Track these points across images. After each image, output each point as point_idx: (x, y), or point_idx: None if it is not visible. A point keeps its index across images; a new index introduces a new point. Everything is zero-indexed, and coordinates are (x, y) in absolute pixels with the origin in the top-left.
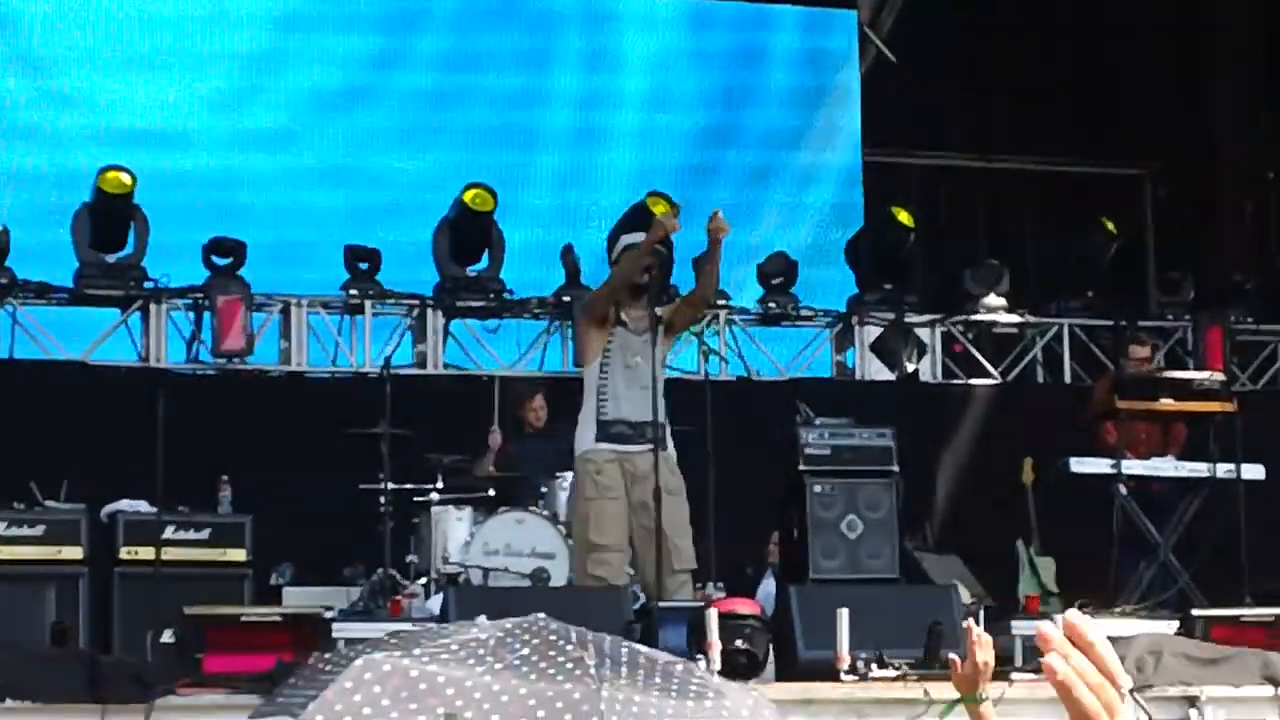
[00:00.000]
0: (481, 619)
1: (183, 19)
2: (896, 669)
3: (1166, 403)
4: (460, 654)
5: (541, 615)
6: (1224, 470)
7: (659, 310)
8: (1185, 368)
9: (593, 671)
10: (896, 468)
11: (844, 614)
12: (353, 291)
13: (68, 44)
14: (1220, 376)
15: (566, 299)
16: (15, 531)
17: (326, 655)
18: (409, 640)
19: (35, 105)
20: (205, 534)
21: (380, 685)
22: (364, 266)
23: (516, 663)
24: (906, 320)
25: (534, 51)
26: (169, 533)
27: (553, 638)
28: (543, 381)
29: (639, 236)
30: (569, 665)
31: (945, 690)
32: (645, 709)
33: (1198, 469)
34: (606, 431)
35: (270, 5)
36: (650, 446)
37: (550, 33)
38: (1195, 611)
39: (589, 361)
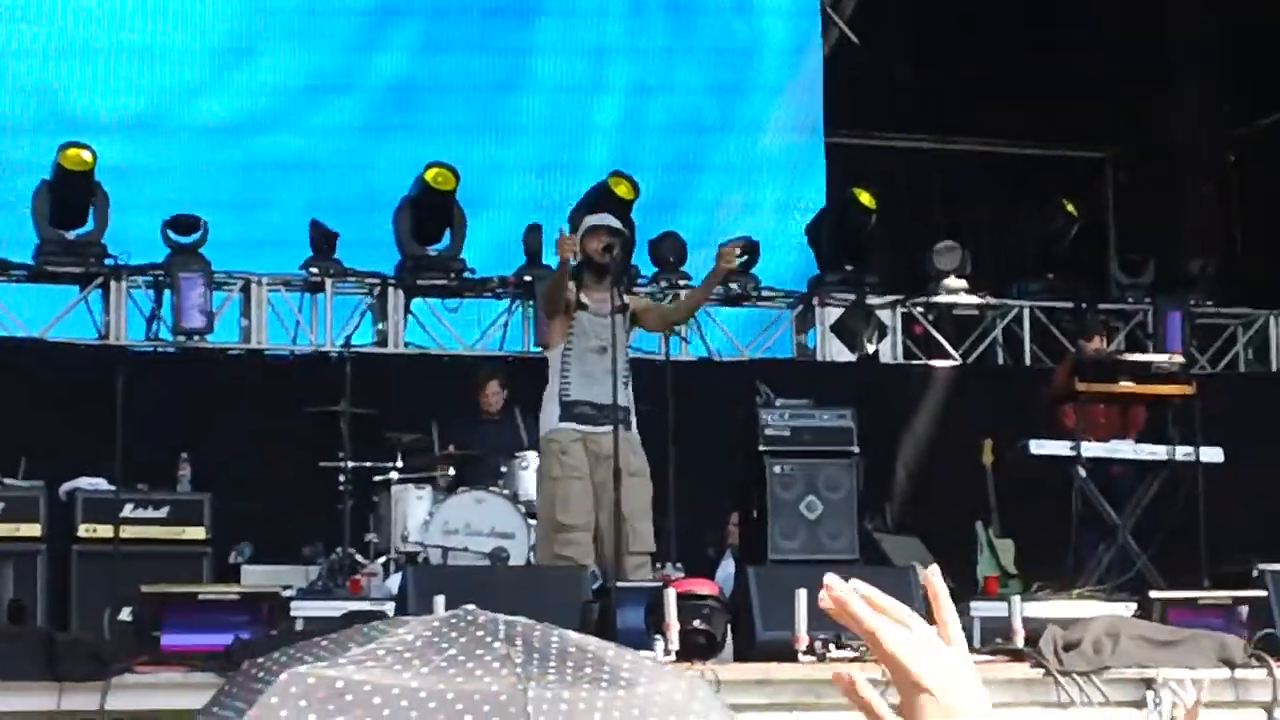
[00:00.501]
0: (439, 606)
1: (146, 6)
2: (854, 650)
3: (1126, 385)
4: (387, 659)
5: (471, 607)
6: (1183, 453)
7: (629, 299)
8: (1145, 350)
9: (519, 670)
10: (856, 449)
11: (802, 595)
12: (313, 270)
13: (27, 33)
14: (1179, 359)
15: (528, 279)
16: None
17: (259, 660)
18: (338, 645)
19: None
20: (164, 512)
21: (305, 699)
22: (325, 245)
23: (443, 664)
24: (867, 301)
25: (509, 39)
26: (128, 510)
27: (480, 633)
28: (500, 365)
29: (604, 218)
30: (495, 664)
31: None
32: (574, 704)
33: (1156, 452)
34: (570, 411)
35: None
36: (609, 429)
37: (527, 20)
38: (1153, 594)
39: (553, 346)
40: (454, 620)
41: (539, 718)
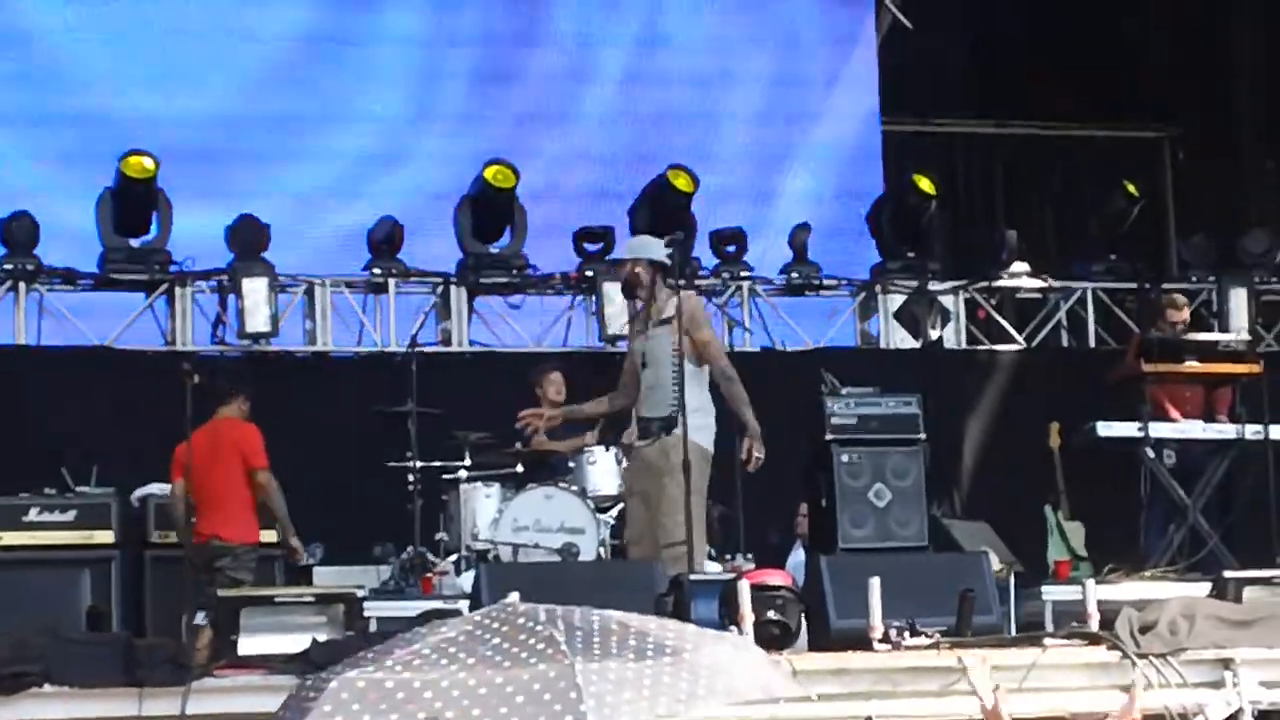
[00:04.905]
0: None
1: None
2: (929, 637)
3: (1192, 365)
4: (433, 656)
5: (513, 597)
6: (1252, 432)
7: (678, 314)
8: (1210, 329)
9: (564, 648)
10: (923, 435)
11: (875, 583)
12: (376, 270)
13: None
14: (1246, 337)
15: (590, 273)
16: (48, 517)
17: (308, 680)
18: (384, 651)
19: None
20: None
21: (358, 703)
22: (392, 241)
23: (489, 654)
24: (929, 288)
25: (570, 32)
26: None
27: (521, 620)
28: (557, 359)
29: (654, 246)
30: (540, 646)
31: (978, 657)
32: (622, 675)
33: (1225, 430)
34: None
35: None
36: (649, 440)
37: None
38: (1228, 573)
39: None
40: (494, 613)
41: (589, 689)
